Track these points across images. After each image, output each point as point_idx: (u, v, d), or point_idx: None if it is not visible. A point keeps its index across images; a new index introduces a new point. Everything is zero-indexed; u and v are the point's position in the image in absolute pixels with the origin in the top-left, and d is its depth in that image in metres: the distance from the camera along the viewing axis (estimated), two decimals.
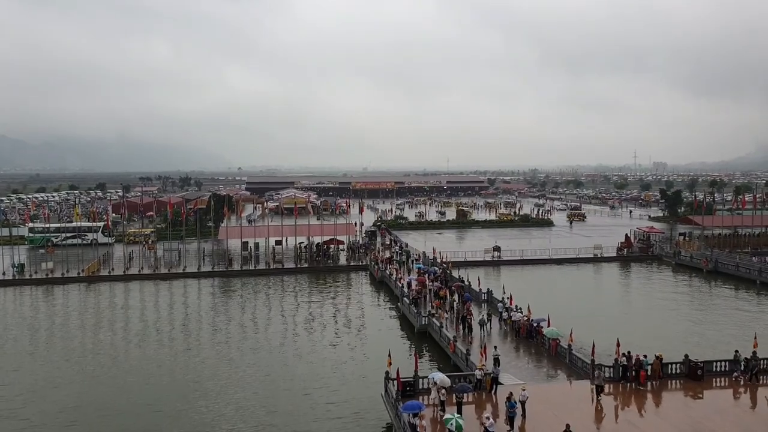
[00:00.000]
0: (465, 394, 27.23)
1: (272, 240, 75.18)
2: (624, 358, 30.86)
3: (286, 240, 75.58)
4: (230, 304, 52.36)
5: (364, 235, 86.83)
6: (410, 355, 36.29)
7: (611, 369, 30.65)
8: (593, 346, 31.92)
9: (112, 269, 65.86)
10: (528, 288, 54.88)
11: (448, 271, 57.82)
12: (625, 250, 75.36)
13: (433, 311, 42.49)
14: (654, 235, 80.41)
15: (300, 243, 73.39)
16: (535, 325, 37.60)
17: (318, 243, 73.21)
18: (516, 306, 41.81)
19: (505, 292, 45.14)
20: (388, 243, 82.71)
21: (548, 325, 36.69)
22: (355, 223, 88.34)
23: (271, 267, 68.08)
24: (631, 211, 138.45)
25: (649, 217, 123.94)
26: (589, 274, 66.92)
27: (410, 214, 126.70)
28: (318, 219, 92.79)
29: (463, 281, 51.39)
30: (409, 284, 49.80)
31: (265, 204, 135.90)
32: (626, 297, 56.60)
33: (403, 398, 27.02)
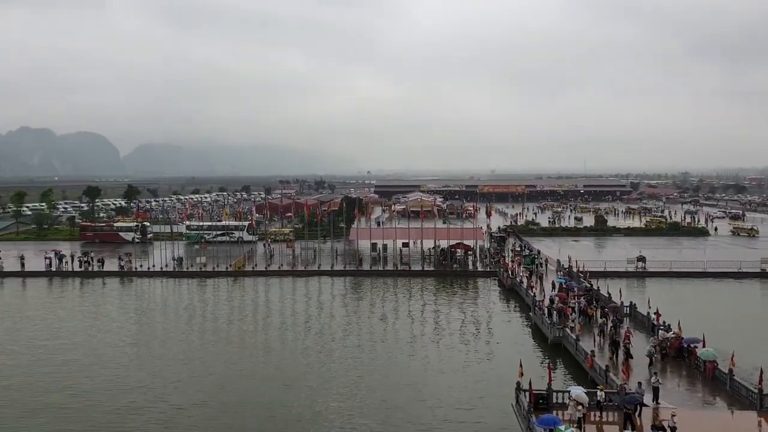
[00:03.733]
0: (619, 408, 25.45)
1: (399, 242, 76.63)
2: None
3: (420, 243, 76.40)
4: (360, 303, 54.11)
5: (492, 240, 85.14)
6: (543, 366, 34.78)
7: None
8: (761, 372, 28.20)
9: (255, 265, 71.36)
10: (678, 304, 49.90)
11: (585, 281, 54.56)
12: None
13: (571, 324, 40.26)
14: None
15: (435, 246, 74.06)
16: (686, 345, 34.12)
17: (444, 247, 73.17)
18: (664, 322, 38.34)
19: (650, 307, 41.57)
20: (519, 249, 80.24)
21: (703, 346, 33.09)
22: (486, 227, 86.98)
23: (399, 268, 69.31)
24: None
25: None
26: (754, 290, 59.32)
27: (542, 219, 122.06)
28: (444, 222, 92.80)
29: (613, 300, 46.42)
30: (552, 300, 46.29)
31: (392, 207, 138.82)
32: None
33: (535, 411, 25.97)
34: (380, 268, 69.84)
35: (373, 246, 76.91)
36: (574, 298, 46.50)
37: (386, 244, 76.92)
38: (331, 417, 29.70)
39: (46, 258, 72.60)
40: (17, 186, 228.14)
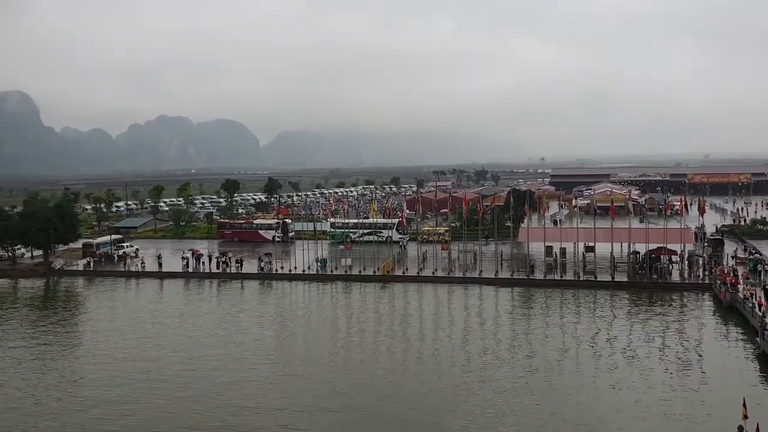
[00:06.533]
0: None
1: (582, 245, 74.60)
2: None
3: (611, 247, 73.88)
4: (531, 321, 53.73)
5: (706, 244, 79.49)
6: None
7: None
8: None
9: (406, 269, 74.28)
10: None
11: None
12: None
13: None
14: None
15: (631, 251, 71.78)
16: None
17: (642, 252, 69.92)
18: None
19: None
20: (742, 256, 74.00)
21: None
22: (697, 227, 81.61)
23: (581, 279, 67.71)
24: None
25: None
26: None
27: None
28: (641, 221, 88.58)
29: None
30: None
31: (573, 201, 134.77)
32: None
33: None
34: (557, 278, 68.84)
35: (548, 250, 75.75)
36: None
37: (565, 248, 75.40)
38: None
39: (183, 258, 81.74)
40: (155, 180, 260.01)
